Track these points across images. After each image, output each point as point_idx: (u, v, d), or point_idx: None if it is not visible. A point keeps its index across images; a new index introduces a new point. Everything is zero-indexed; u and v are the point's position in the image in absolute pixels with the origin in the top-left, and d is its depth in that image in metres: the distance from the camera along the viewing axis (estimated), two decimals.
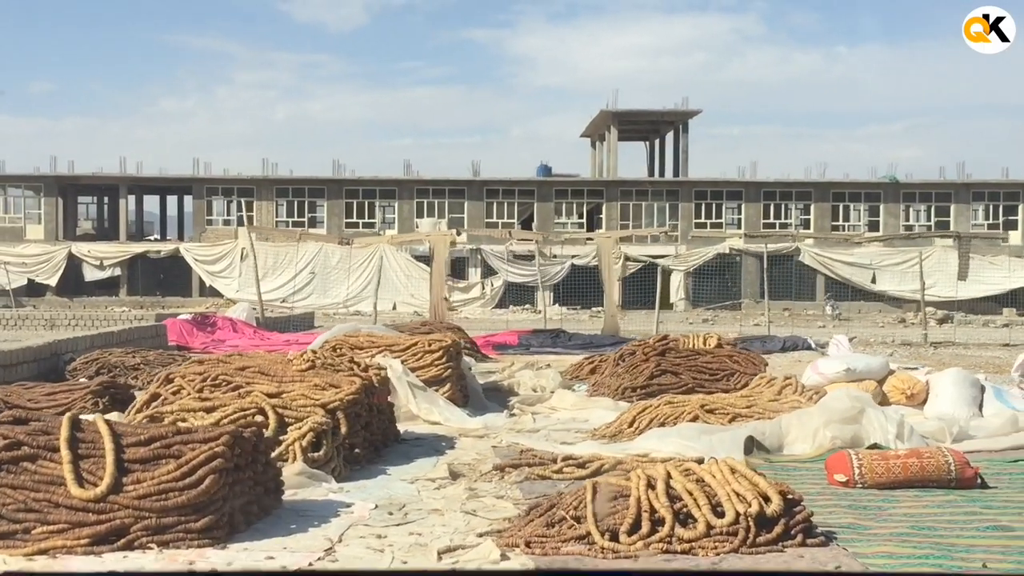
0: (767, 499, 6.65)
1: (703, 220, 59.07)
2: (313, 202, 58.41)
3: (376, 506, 7.59)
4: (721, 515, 6.56)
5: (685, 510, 6.62)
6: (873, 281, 56.13)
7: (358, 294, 56.02)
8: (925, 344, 26.75)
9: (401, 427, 11.62)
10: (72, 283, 55.96)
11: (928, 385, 12.69)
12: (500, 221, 58.06)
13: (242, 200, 58.10)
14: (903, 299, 54.20)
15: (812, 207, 58.92)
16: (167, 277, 57.34)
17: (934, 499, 8.02)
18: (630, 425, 10.63)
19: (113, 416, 9.00)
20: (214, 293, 55.79)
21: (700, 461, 7.42)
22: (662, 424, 10.56)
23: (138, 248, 57.05)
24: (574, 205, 59.19)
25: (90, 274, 56.22)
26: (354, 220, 58.09)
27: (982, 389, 12.61)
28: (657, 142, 66.02)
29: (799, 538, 6.58)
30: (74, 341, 17.23)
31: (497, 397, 14.57)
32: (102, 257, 56.68)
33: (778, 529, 6.55)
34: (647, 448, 9.50)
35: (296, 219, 58.22)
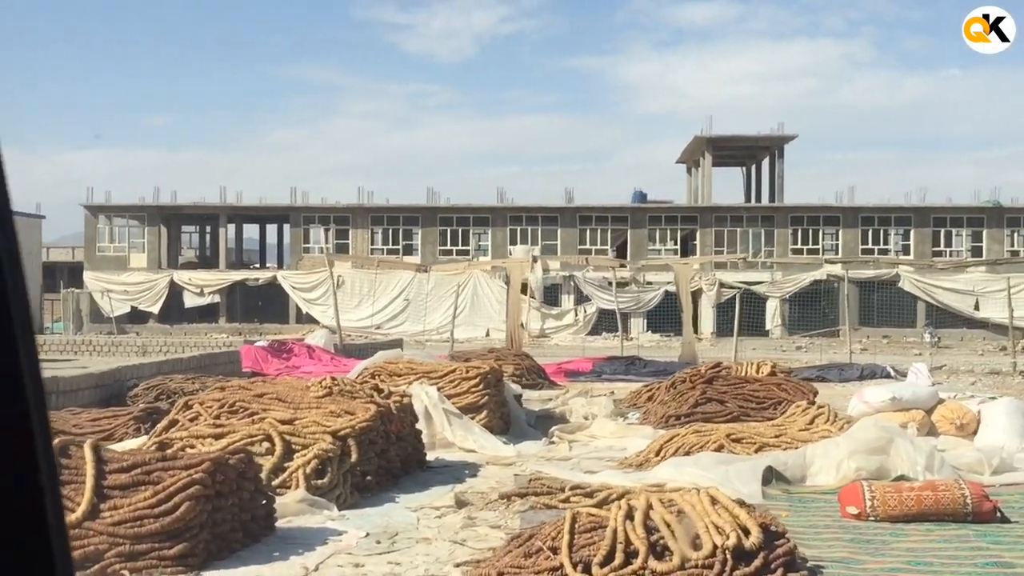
0: (747, 531, 6.48)
1: (799, 246, 58.21)
2: (408, 230, 58.87)
3: (367, 534, 7.58)
4: (698, 548, 6.41)
5: (662, 542, 6.48)
6: (976, 308, 54.72)
7: (451, 321, 56.32)
8: (1014, 373, 25.96)
9: (436, 454, 11.65)
10: (174, 310, 57.15)
11: (980, 415, 12.30)
12: (593, 248, 57.97)
13: (337, 228, 58.92)
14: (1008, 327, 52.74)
15: (912, 232, 57.70)
16: (265, 304, 58.24)
17: (945, 533, 7.75)
18: (656, 454, 10.48)
19: (136, 442, 9.16)
20: (310, 320, 56.47)
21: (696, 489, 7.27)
22: (687, 453, 10.38)
23: (237, 276, 58.06)
24: (668, 231, 58.79)
25: (190, 301, 57.36)
26: (448, 247, 58.45)
27: None
28: (754, 168, 65.31)
29: (779, 572, 6.40)
30: (139, 368, 17.53)
31: (547, 424, 14.48)
32: (202, 285, 57.83)
33: (757, 563, 6.37)
34: (664, 477, 9.34)
35: (391, 247, 58.79)
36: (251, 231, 70.10)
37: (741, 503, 7.11)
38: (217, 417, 9.37)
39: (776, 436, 10.49)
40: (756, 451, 10.22)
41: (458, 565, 6.71)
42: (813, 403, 13.35)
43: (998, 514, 8.21)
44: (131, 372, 17.12)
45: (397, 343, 41.94)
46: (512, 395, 13.90)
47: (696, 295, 58.94)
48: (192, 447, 8.47)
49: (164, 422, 9.59)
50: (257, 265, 69.61)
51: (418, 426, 11.92)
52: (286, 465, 8.37)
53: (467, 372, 12.72)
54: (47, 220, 61.11)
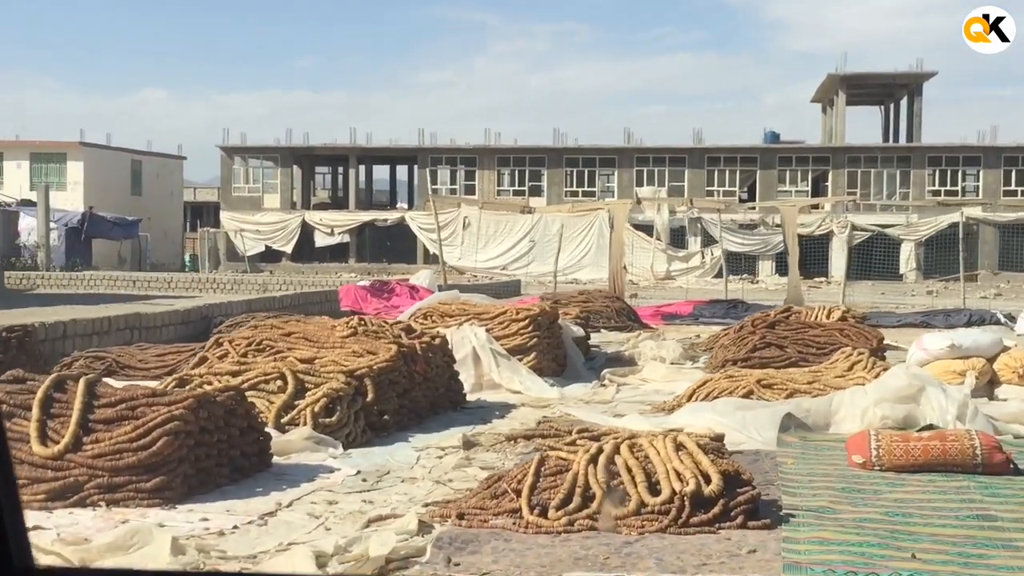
0: (708, 478, 6.42)
1: (937, 188, 56.51)
2: (536, 171, 58.88)
3: (358, 472, 7.71)
4: (658, 493, 6.38)
5: (622, 487, 6.47)
6: None
7: (577, 262, 56.46)
8: None
9: (482, 395, 11.78)
10: (306, 250, 58.40)
11: None
12: (721, 189, 57.26)
13: (466, 170, 59.34)
14: None
15: None
16: (393, 244, 59.04)
17: (946, 484, 7.54)
18: (689, 399, 10.39)
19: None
20: (435, 260, 57.08)
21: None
22: (717, 398, 10.27)
23: (366, 216, 58.96)
24: (798, 173, 57.62)
25: (321, 240, 58.50)
26: (574, 189, 58.34)
27: None
28: (892, 107, 63.39)
29: (739, 520, 6.33)
30: (227, 306, 17.99)
31: (615, 366, 14.44)
32: (333, 225, 58.93)
33: (715, 510, 6.32)
34: (682, 423, 9.25)
35: (517, 188, 58.95)
36: (386, 172, 70.98)
37: (716, 449, 7.04)
38: (244, 355, 9.61)
39: (809, 383, 10.29)
40: (787, 397, 10.05)
41: (427, 505, 6.79)
42: (876, 350, 13.07)
43: (1012, 466, 7.95)
44: (219, 310, 17.58)
45: (515, 284, 42.27)
46: (571, 337, 13.90)
47: (827, 238, 57.92)
48: (209, 384, 8.71)
49: (196, 359, 9.87)
50: (389, 206, 70.53)
51: (466, 367, 12.07)
52: (297, 403, 8.55)
53: (517, 314, 12.76)
54: (201, 162, 62.44)
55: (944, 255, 54.57)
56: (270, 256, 58.20)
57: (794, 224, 31.48)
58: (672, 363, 14.70)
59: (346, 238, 58.85)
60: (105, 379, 8.88)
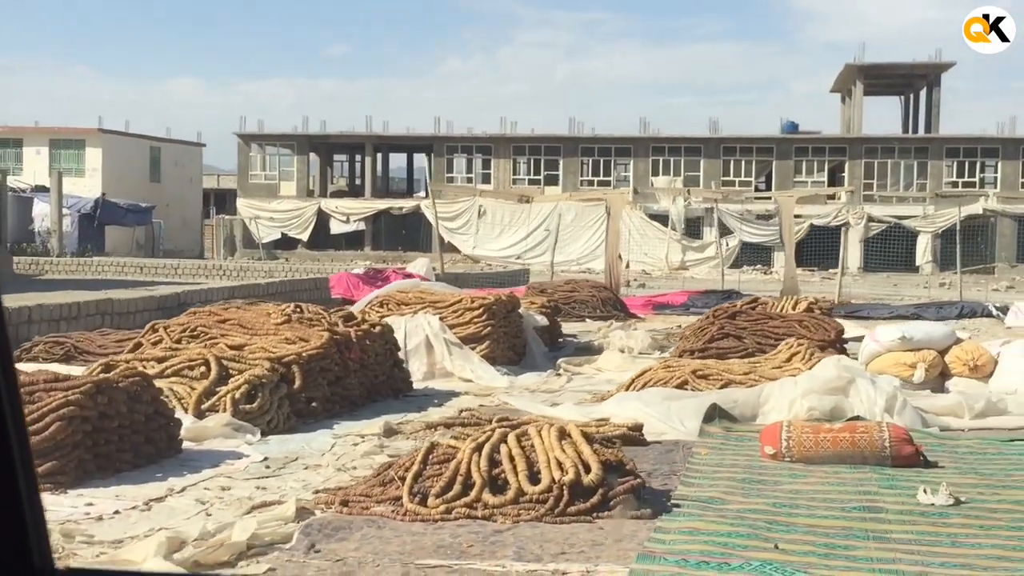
0: (588, 468, 6.44)
1: (955, 179, 56.07)
2: (551, 160, 58.80)
3: (266, 459, 7.77)
4: (538, 482, 6.41)
5: (504, 476, 6.49)
6: None
7: (592, 252, 56.36)
8: None
9: (434, 383, 11.82)
10: (322, 237, 58.57)
11: (998, 358, 11.80)
12: (737, 179, 56.97)
13: (482, 159, 59.39)
14: None
15: None
16: (408, 233, 59.12)
17: (848, 476, 7.54)
18: (627, 388, 10.39)
19: None
20: (452, 249, 57.16)
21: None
22: (676, 387, 10.28)
23: (381, 205, 59.06)
24: (814, 163, 57.31)
25: (336, 228, 58.64)
26: (589, 178, 58.22)
27: None
28: (912, 98, 62.92)
29: (617, 509, 6.35)
30: (208, 292, 18.09)
31: (582, 356, 14.45)
32: (348, 213, 59.06)
33: (594, 499, 6.34)
34: (608, 412, 9.28)
35: (533, 176, 58.89)
36: (407, 161, 71.02)
37: (608, 439, 7.05)
38: (178, 341, 9.69)
39: (745, 373, 10.27)
40: (722, 387, 10.04)
41: (317, 492, 6.84)
42: (834, 341, 13.04)
43: (922, 458, 7.93)
44: (198, 296, 17.65)
45: (523, 273, 42.25)
46: (532, 326, 13.91)
47: (843, 229, 57.55)
48: (134, 370, 8.78)
49: (132, 344, 9.96)
50: (407, 194, 70.59)
51: (419, 355, 12.13)
52: (219, 390, 8.61)
53: (471, 303, 12.79)
54: (229, 149, 62.59)
55: (961, 247, 54.24)
56: (286, 243, 58.38)
57: (791, 215, 31.42)
58: (640, 353, 14.71)
59: (361, 226, 58.96)
60: (51, 365, 9.03)
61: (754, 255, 55.76)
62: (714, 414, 9.19)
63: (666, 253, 54.96)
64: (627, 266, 46.40)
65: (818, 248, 54.13)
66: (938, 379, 11.78)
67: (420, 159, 68.24)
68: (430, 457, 6.74)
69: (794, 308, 14.32)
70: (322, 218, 58.79)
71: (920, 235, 54.59)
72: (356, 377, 9.97)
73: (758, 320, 13.40)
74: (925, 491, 6.85)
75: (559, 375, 12.60)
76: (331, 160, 66.71)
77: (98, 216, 45.11)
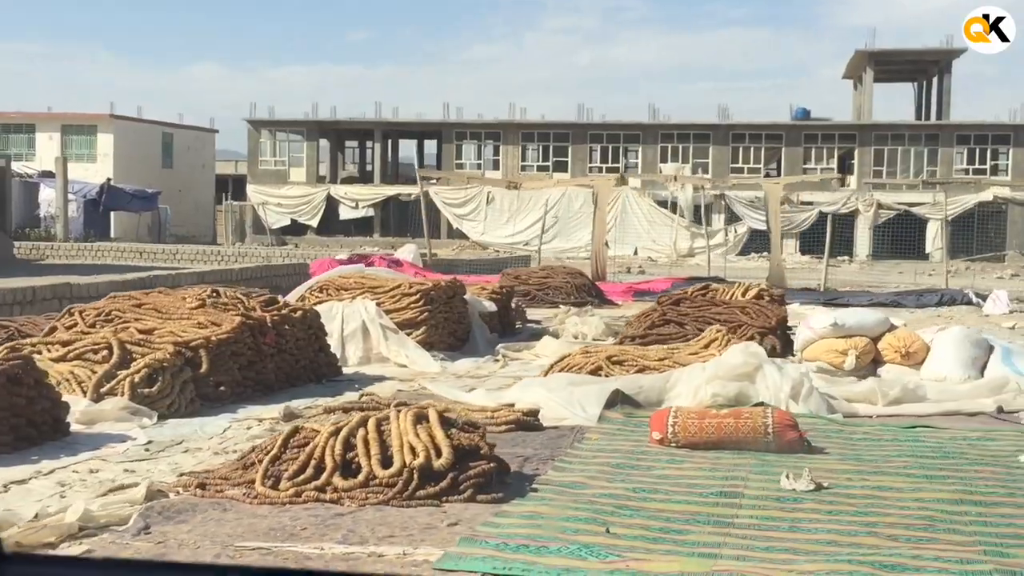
0: (440, 452, 6.47)
1: (966, 166, 55.70)
2: (560, 147, 58.73)
3: (150, 442, 7.84)
4: (390, 466, 6.45)
5: (357, 460, 6.54)
6: None
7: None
8: None
9: (370, 368, 11.88)
10: (332, 223, 58.71)
11: (931, 345, 11.77)
12: (746, 166, 56.79)
13: (491, 145, 59.41)
14: None
15: None
16: (417, 219, 59.14)
17: (728, 461, 7.54)
18: (546, 374, 10.42)
19: None
20: (460, 236, 57.27)
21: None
22: (590, 373, 10.31)
23: (390, 191, 59.14)
24: (824, 150, 57.06)
25: (345, 214, 58.78)
26: (598, 165, 58.13)
27: (990, 350, 11.60)
28: (925, 84, 62.48)
29: (468, 493, 6.38)
30: (177, 277, 18.18)
31: (535, 341, 14.47)
32: (357, 199, 59.19)
33: (444, 483, 6.37)
34: (513, 398, 9.33)
35: (541, 163, 58.86)
36: (427, 147, 71.06)
37: (468, 424, 7.08)
38: (92, 325, 9.77)
39: (660, 359, 10.28)
40: (636, 373, 10.06)
41: (181, 475, 6.90)
42: (774, 328, 13.02)
43: (805, 444, 7.93)
44: (165, 280, 17.73)
45: (525, 259, 42.25)
46: (478, 312, 13.95)
47: (852, 216, 57.29)
48: (39, 353, 8.87)
49: (48, 327, 10.05)
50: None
51: (355, 340, 12.19)
52: (119, 373, 8.68)
53: (409, 288, 12.83)
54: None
55: (972, 234, 53.93)
56: (295, 229, 58.56)
57: (777, 201, 31.29)
58: (594, 339, 14.71)
59: (370, 212, 59.08)
60: None
61: (763, 242, 55.47)
62: (617, 400, 9.19)
63: (674, 240, 54.86)
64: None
65: (824, 236, 53.89)
66: (871, 366, 11.76)
67: (431, 146, 68.37)
68: (291, 441, 6.78)
69: (744, 295, 14.28)
70: (331, 204, 58.94)
71: (930, 222, 54.28)
72: (272, 362, 10.03)
73: (702, 307, 13.39)
74: (788, 476, 6.85)
75: (497, 361, 12.63)
76: (342, 146, 66.85)
77: (103, 201, 45.39)
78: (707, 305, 13.43)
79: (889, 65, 58.78)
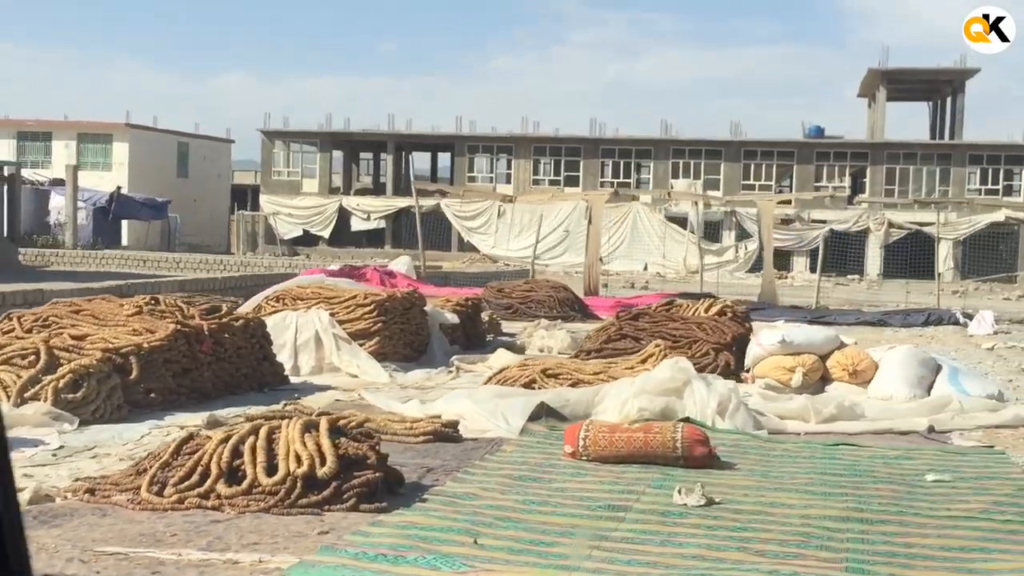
0: (324, 461, 6.51)
1: (978, 186, 55.48)
2: (572, 161, 58.77)
3: (61, 447, 7.91)
4: (275, 474, 6.49)
5: (244, 468, 6.59)
6: None
7: (609, 254, 56.36)
8: None
9: (321, 377, 11.96)
10: (345, 235, 58.91)
11: (879, 363, 11.75)
12: (757, 183, 56.69)
13: (502, 159, 59.55)
14: None
15: None
16: (428, 231, 59.25)
17: (633, 475, 7.55)
18: (486, 385, 10.45)
19: None
20: (471, 248, 57.39)
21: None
22: (524, 386, 10.35)
23: (402, 203, 59.22)
24: (836, 168, 56.92)
25: (357, 225, 58.96)
26: (610, 179, 58.13)
27: (937, 369, 11.56)
28: (940, 104, 62.26)
29: (351, 502, 6.42)
30: (157, 285, 18.30)
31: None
32: (369, 210, 59.35)
33: (327, 492, 6.42)
34: (441, 410, 9.36)
35: (553, 177, 58.92)
36: (443, 160, 71.23)
37: (362, 434, 7.12)
38: (29, 330, 9.86)
39: (595, 373, 10.30)
40: (571, 386, 10.08)
41: (77, 479, 6.96)
42: (730, 344, 13.00)
43: (716, 459, 7.93)
44: (144, 288, 17.83)
45: (523, 273, 42.26)
46: (438, 324, 14.00)
47: (863, 235, 57.09)
48: None
49: None
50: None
51: (308, 350, 12.26)
52: (45, 378, 8.77)
53: (364, 299, 12.89)
54: None
55: (983, 255, 53.66)
56: (308, 240, 58.78)
57: (770, 219, 31.26)
58: (559, 352, 14.74)
59: (382, 223, 59.25)
60: None
61: (773, 260, 55.29)
62: (542, 413, 9.21)
63: (684, 256, 54.84)
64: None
65: (837, 254, 53.87)
66: (819, 383, 11.76)
67: (445, 159, 68.55)
68: (183, 448, 6.84)
69: (707, 311, 14.28)
70: (343, 215, 59.13)
71: (941, 242, 54.00)
72: (209, 370, 10.09)
73: (659, 322, 13.39)
74: (680, 492, 6.86)
75: (449, 372, 12.67)
76: (357, 158, 67.12)
77: (113, 210, 45.73)
78: (665, 321, 13.43)
79: (903, 84, 58.60)
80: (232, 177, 71.03)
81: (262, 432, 6.79)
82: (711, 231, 56.27)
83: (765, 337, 12.09)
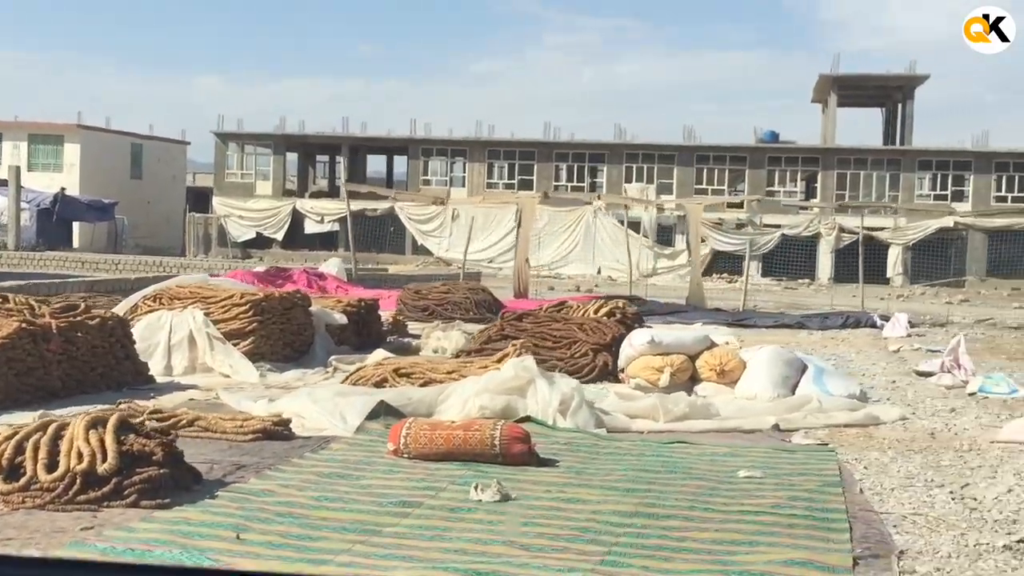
0: (106, 457, 6.48)
1: (927, 192, 55.83)
2: (526, 165, 58.77)
3: None
4: (55, 470, 6.45)
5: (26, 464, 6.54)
6: None
7: (564, 257, 56.46)
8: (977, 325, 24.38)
9: (194, 377, 11.90)
10: (298, 237, 58.72)
11: (747, 363, 11.79)
12: (710, 188, 56.86)
13: (455, 162, 59.51)
14: None
15: None
16: (382, 234, 59.21)
17: (444, 472, 7.54)
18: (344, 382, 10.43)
19: None
20: (426, 251, 57.32)
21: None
22: (375, 385, 10.34)
23: (355, 206, 58.98)
24: (787, 173, 57.16)
25: (310, 228, 58.78)
26: (563, 183, 58.23)
27: (803, 369, 11.62)
28: (892, 110, 62.62)
29: (132, 498, 6.39)
30: (63, 284, 18.20)
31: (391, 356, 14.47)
32: (323, 213, 59.17)
33: (107, 488, 6.38)
34: (282, 408, 9.34)
35: (507, 181, 58.92)
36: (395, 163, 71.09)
37: (157, 431, 7.08)
38: None
39: (448, 373, 10.30)
40: (421, 385, 10.08)
41: None
42: (608, 344, 13.01)
43: (536, 457, 7.93)
44: (46, 289, 17.77)
45: (476, 276, 42.23)
46: (324, 324, 13.96)
47: (814, 240, 57.35)
48: None
49: None
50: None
51: (182, 349, 12.21)
52: None
53: (240, 299, 12.83)
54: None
55: (932, 260, 53.96)
56: (261, 243, 58.56)
57: (698, 222, 31.38)
58: (453, 352, 14.71)
59: (336, 226, 59.06)
60: None
61: (727, 263, 55.52)
62: (380, 411, 9.19)
63: (638, 260, 54.89)
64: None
65: (788, 258, 54.16)
66: (688, 383, 11.79)
67: (402, 162, 68.44)
68: None
69: (596, 312, 14.30)
70: (297, 218, 58.94)
71: (891, 247, 54.35)
72: (59, 368, 10.02)
73: (542, 323, 13.39)
74: (477, 488, 6.86)
75: (325, 372, 12.63)
76: (313, 161, 66.98)
77: (56, 211, 45.41)
78: (548, 321, 13.44)
79: (854, 90, 58.94)
80: (194, 179, 70.78)
81: (50, 429, 6.74)
82: (664, 235, 56.46)
83: (636, 338, 12.12)
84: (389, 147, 63.93)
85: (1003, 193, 54.84)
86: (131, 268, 34.79)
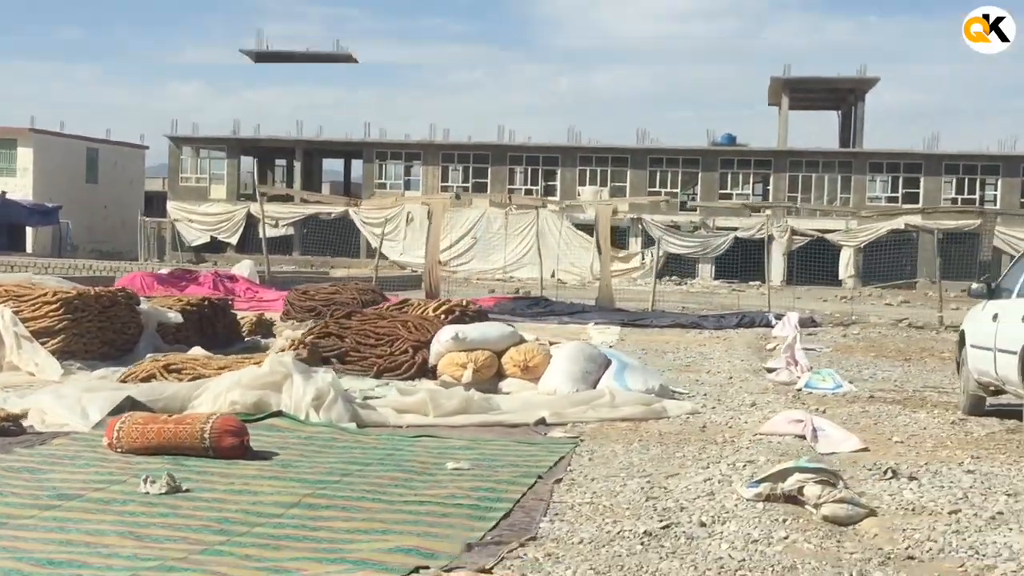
0: None
1: (878, 194, 55.94)
2: (480, 168, 58.72)
3: None
4: None
5: None
6: None
7: (518, 260, 56.36)
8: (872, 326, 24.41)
9: (3, 376, 11.80)
10: (252, 241, 58.54)
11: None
12: (663, 190, 56.88)
13: (409, 165, 59.52)
14: None
15: (1000, 182, 54.60)
16: (337, 238, 59.10)
17: (149, 466, 7.43)
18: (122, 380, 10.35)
19: None
20: (381, 256, 57.13)
21: None
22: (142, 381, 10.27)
23: (310, 210, 59.00)
24: (740, 175, 57.21)
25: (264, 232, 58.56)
26: (517, 186, 58.23)
27: (607, 365, 11.57)
28: (847, 113, 62.76)
29: None
30: None
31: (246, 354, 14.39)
32: (277, 217, 59.00)
33: None
34: (29, 404, 9.26)
35: (461, 184, 58.87)
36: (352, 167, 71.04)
37: None
38: None
39: (220, 369, 10.24)
40: (192, 380, 10.01)
41: None
42: (426, 342, 12.95)
43: (249, 451, 7.86)
44: None
45: (413, 279, 42.18)
46: (155, 322, 13.86)
47: (767, 242, 57.28)
48: None
49: None
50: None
51: None
52: None
53: (51, 296, 12.74)
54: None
55: (884, 262, 53.98)
56: (216, 247, 58.41)
57: (607, 224, 31.41)
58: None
59: (290, 230, 59.01)
60: None
61: (680, 266, 55.55)
62: (127, 406, 9.10)
63: (591, 263, 54.87)
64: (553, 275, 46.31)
65: (741, 260, 54.12)
66: (494, 379, 11.74)
67: (359, 166, 68.40)
68: None
69: (436, 311, 14.24)
70: (252, 221, 58.78)
71: (843, 249, 54.40)
72: None
73: (367, 321, 13.31)
74: (146, 480, 6.78)
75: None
76: (272, 165, 66.90)
77: None
78: (375, 319, 13.36)
79: (806, 92, 59.05)
80: (163, 184, 70.65)
81: None
82: (618, 237, 56.33)
83: (443, 334, 12.06)
84: (346, 151, 63.84)
85: (953, 195, 54.94)
86: (60, 271, 34.67)
